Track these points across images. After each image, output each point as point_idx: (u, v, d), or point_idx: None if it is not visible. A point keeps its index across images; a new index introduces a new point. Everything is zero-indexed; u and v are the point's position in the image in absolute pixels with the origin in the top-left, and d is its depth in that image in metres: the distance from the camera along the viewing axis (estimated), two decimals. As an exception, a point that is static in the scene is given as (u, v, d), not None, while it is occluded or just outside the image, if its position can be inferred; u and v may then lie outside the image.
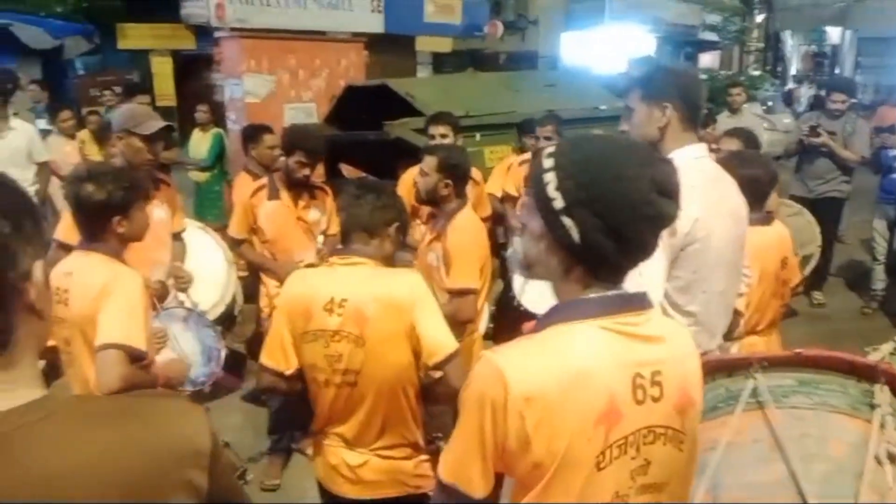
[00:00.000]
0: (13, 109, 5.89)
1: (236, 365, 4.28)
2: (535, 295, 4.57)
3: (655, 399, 1.21)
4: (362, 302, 2.10)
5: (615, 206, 1.17)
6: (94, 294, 2.21)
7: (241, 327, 5.35)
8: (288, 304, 2.22)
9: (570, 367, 1.17)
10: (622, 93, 7.22)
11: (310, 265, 3.85)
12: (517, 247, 1.36)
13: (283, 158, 3.94)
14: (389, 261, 2.30)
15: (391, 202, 2.29)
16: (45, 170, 5.80)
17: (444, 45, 15.47)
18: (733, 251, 2.19)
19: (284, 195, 3.90)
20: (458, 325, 3.09)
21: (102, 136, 7.00)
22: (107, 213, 2.31)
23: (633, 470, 1.21)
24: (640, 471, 1.22)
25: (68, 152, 6.44)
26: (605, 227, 1.17)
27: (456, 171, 3.21)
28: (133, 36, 13.87)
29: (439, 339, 2.10)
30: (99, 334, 2.17)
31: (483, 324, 4.30)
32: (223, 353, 3.42)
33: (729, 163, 2.52)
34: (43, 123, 6.90)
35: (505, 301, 4.89)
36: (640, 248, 1.22)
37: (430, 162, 3.19)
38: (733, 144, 3.75)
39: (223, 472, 1.00)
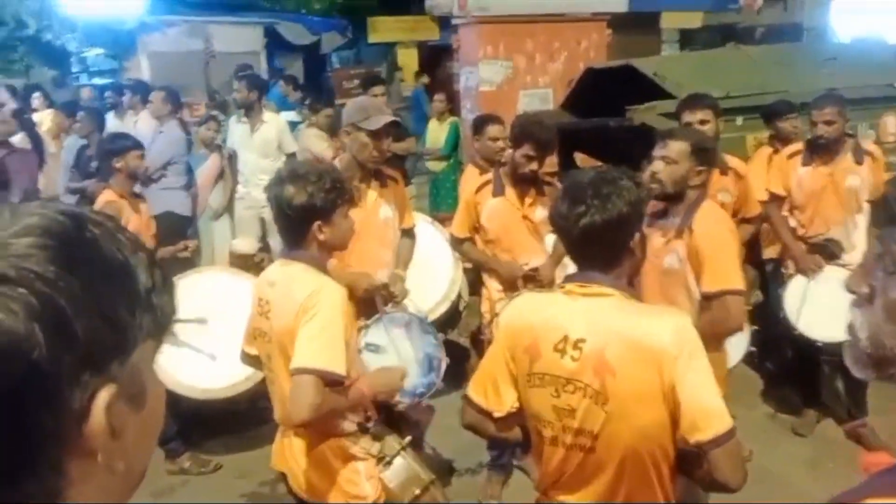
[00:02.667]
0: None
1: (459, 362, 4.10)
2: (815, 317, 3.79)
3: None
4: (606, 346, 1.64)
5: None
6: (295, 309, 2.03)
7: (466, 321, 5.19)
8: (510, 333, 1.82)
9: None
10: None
11: (534, 270, 3.50)
12: (857, 329, 0.84)
13: (509, 151, 3.60)
14: (635, 272, 1.82)
15: (628, 203, 1.67)
16: (292, 161, 6.06)
17: (694, 20, 14.20)
18: None
19: (510, 191, 3.56)
20: (720, 337, 2.70)
21: (333, 130, 7.10)
22: (307, 217, 2.11)
23: None
24: None
25: (325, 148, 6.58)
26: None
27: (709, 157, 2.86)
28: (382, 29, 14.49)
29: (708, 410, 1.58)
30: (294, 357, 1.98)
31: (741, 348, 3.65)
32: (444, 364, 3.18)
33: None
34: (292, 116, 7.25)
35: (770, 320, 4.12)
36: None
37: (677, 147, 2.77)
38: None
39: None
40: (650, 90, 5.14)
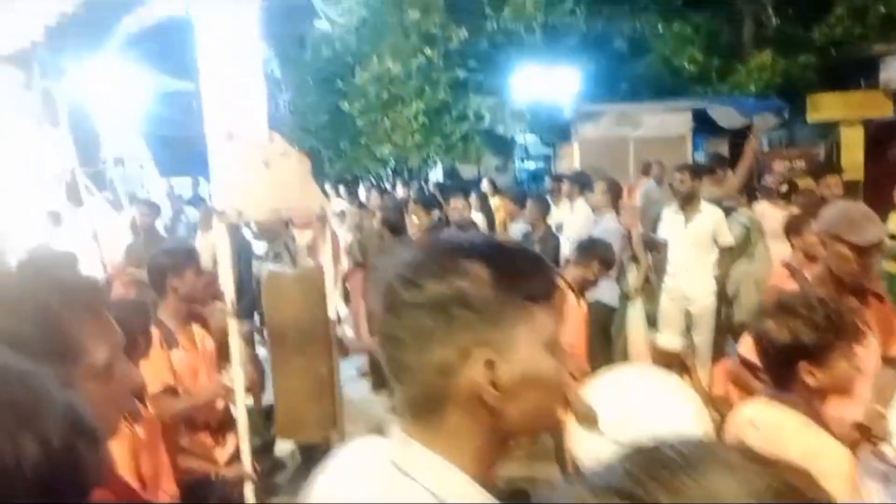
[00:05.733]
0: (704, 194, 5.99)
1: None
2: None
3: None
4: None
5: None
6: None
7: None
8: None
9: None
10: None
11: None
12: None
13: None
14: None
15: None
16: (727, 254, 5.73)
17: None
18: None
19: None
20: None
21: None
22: (791, 358, 1.83)
23: None
24: None
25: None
26: None
27: None
28: (824, 107, 13.22)
29: None
30: None
31: None
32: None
33: None
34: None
35: None
36: None
37: None
38: None
39: None
40: None
